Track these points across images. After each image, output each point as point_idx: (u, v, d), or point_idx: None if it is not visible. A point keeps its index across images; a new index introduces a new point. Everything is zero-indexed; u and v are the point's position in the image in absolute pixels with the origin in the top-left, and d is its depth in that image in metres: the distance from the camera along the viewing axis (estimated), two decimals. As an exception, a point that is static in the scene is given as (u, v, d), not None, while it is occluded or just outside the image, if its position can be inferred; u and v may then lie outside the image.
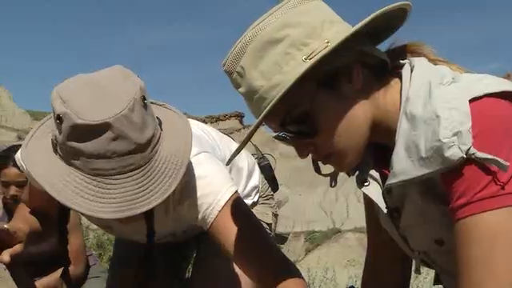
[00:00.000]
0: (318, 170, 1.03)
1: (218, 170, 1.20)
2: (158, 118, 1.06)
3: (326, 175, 1.06)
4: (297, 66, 0.86)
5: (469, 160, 0.78)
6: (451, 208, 0.81)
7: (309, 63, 0.85)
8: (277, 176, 1.71)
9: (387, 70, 0.93)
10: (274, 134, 0.96)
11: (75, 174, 0.95)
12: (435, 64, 0.92)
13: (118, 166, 0.95)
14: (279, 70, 0.87)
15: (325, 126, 0.90)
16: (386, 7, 0.88)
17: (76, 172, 0.95)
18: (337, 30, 0.88)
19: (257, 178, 1.56)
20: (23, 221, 1.27)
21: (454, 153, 0.77)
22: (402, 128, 0.86)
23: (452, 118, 0.79)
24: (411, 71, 0.90)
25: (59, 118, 0.96)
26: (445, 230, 0.90)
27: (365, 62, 0.91)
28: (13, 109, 35.29)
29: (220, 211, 1.13)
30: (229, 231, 1.12)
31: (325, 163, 0.97)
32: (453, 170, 0.79)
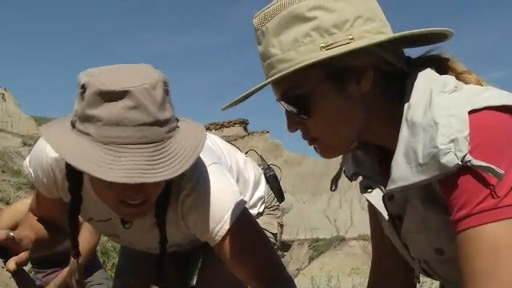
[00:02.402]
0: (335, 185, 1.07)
1: (228, 184, 1.20)
2: (177, 118, 1.09)
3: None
4: (312, 51, 0.86)
5: (465, 168, 0.77)
6: (452, 220, 0.80)
7: (324, 54, 0.85)
8: (281, 183, 1.70)
9: (401, 77, 0.92)
10: (276, 98, 0.96)
11: (89, 144, 0.97)
12: (463, 78, 0.91)
13: (133, 136, 0.96)
14: (296, 48, 0.87)
15: (318, 114, 0.91)
16: (425, 29, 0.88)
17: (90, 142, 0.97)
18: (366, 30, 0.88)
19: (263, 188, 1.57)
20: (29, 229, 1.27)
21: (450, 159, 0.77)
22: (403, 134, 0.86)
23: (450, 125, 0.78)
24: (415, 79, 0.90)
25: (83, 87, 0.99)
26: (445, 239, 0.89)
27: (379, 67, 0.91)
28: (18, 115, 35.45)
29: (228, 229, 1.14)
30: (234, 249, 1.13)
31: (310, 145, 0.97)
32: (451, 179, 0.79)
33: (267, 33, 0.90)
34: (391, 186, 0.87)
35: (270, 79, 0.89)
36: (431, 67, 0.91)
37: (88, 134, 0.98)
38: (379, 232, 1.10)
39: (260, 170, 1.59)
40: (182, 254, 1.52)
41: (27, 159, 1.27)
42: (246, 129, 52.46)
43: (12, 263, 1.09)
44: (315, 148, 0.96)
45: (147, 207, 1.10)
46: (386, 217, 0.98)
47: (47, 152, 1.19)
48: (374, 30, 0.88)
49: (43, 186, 1.25)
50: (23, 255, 1.13)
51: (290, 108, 0.91)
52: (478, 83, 0.90)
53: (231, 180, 1.23)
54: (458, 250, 0.79)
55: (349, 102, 0.89)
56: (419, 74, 0.89)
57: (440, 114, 0.80)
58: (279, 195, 1.63)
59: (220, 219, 1.13)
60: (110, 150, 0.95)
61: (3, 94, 36.05)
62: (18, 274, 1.11)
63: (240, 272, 1.16)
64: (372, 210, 1.12)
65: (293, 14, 0.88)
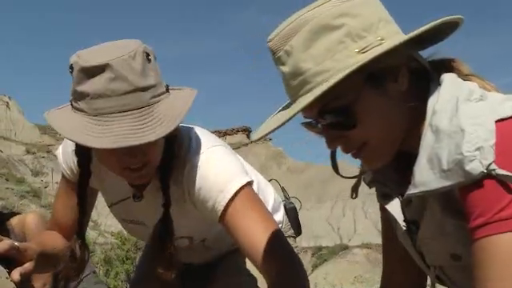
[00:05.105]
0: (336, 168, 1.03)
1: (234, 160, 1.22)
2: (167, 85, 1.14)
3: (345, 177, 1.05)
4: (349, 57, 0.85)
5: (489, 176, 0.77)
6: (469, 227, 0.80)
7: (363, 57, 0.84)
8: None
9: (426, 79, 0.92)
10: (304, 121, 0.94)
11: (82, 118, 1.06)
12: (468, 79, 0.92)
13: (117, 105, 1.04)
14: (330, 57, 0.86)
15: (364, 121, 0.88)
16: (445, 18, 0.88)
17: (83, 116, 1.06)
18: (391, 30, 0.89)
19: (281, 215, 1.55)
20: (37, 243, 1.25)
21: (475, 167, 0.76)
22: (426, 140, 0.85)
23: (476, 134, 0.78)
24: (439, 85, 0.90)
25: (71, 67, 1.08)
26: (461, 246, 0.88)
27: (410, 65, 0.91)
28: (22, 123, 35.58)
29: (230, 199, 1.14)
30: (238, 220, 1.14)
31: (354, 157, 0.94)
32: (472, 187, 0.78)
33: (293, 50, 0.88)
34: (413, 191, 0.86)
35: (318, 92, 0.84)
36: (446, 69, 0.92)
37: (81, 110, 1.06)
38: (391, 237, 1.09)
39: (280, 199, 1.59)
40: (193, 266, 1.52)
41: (60, 148, 1.37)
42: (248, 136, 52.47)
43: (16, 274, 1.08)
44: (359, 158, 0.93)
45: (149, 170, 1.15)
46: (402, 224, 0.98)
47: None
48: (396, 30, 0.90)
49: (66, 166, 1.34)
50: (28, 266, 1.12)
51: (331, 123, 0.89)
52: (483, 86, 0.90)
53: (238, 160, 1.25)
54: (473, 257, 0.79)
55: (392, 104, 0.89)
56: (444, 78, 0.90)
57: (467, 122, 0.80)
58: (296, 227, 1.61)
59: (222, 188, 1.14)
60: (99, 121, 1.04)
61: (7, 103, 36.28)
62: (22, 284, 1.11)
63: (245, 248, 1.14)
64: (385, 215, 1.12)
65: (319, 25, 0.87)
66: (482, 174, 0.76)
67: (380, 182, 1.01)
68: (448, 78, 0.89)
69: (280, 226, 1.50)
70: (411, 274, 1.12)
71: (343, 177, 1.05)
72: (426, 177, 0.84)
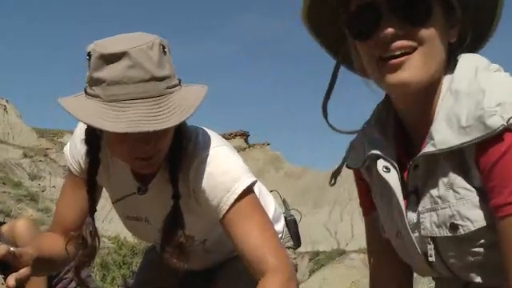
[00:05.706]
0: (325, 114, 1.04)
1: (239, 160, 1.26)
2: (179, 79, 1.18)
3: (338, 130, 1.05)
4: None
5: (510, 130, 0.79)
6: (497, 203, 0.81)
7: None
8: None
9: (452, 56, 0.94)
10: (361, 3, 0.91)
11: (97, 104, 1.09)
12: None
13: (133, 92, 1.07)
14: None
15: (430, 21, 0.87)
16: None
17: (97, 102, 1.09)
18: None
19: (281, 226, 1.58)
20: (34, 248, 1.26)
21: (496, 120, 0.79)
22: (445, 103, 0.88)
23: (497, 93, 0.81)
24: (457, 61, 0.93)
25: (89, 55, 1.11)
26: (463, 214, 0.88)
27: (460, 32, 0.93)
28: (20, 126, 35.46)
29: (236, 199, 1.18)
30: (240, 222, 1.17)
31: (400, 52, 0.88)
32: (497, 161, 0.79)
33: None
34: (430, 148, 0.87)
35: None
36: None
37: (96, 96, 1.09)
38: (379, 239, 1.10)
39: (280, 210, 1.61)
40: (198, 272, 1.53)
41: (68, 144, 1.40)
42: (246, 141, 52.44)
43: (12, 280, 1.09)
44: (395, 65, 0.89)
45: (158, 159, 1.18)
46: (400, 197, 0.97)
47: (80, 133, 1.32)
48: None
49: (74, 160, 1.35)
50: (24, 271, 1.12)
51: (409, 9, 0.87)
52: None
53: (242, 161, 1.28)
54: (502, 233, 0.81)
55: (444, 38, 0.90)
56: (462, 55, 0.92)
57: (487, 86, 0.82)
58: (296, 239, 1.63)
59: (229, 188, 1.18)
60: (114, 107, 1.07)
61: (5, 106, 36.14)
62: (17, 290, 1.10)
63: (242, 250, 1.17)
64: (370, 223, 1.13)
65: None
66: (503, 126, 0.78)
67: (381, 157, 1.01)
68: (466, 54, 0.93)
69: (280, 236, 1.51)
70: (400, 277, 1.14)
71: (335, 130, 1.05)
72: (444, 136, 0.85)
